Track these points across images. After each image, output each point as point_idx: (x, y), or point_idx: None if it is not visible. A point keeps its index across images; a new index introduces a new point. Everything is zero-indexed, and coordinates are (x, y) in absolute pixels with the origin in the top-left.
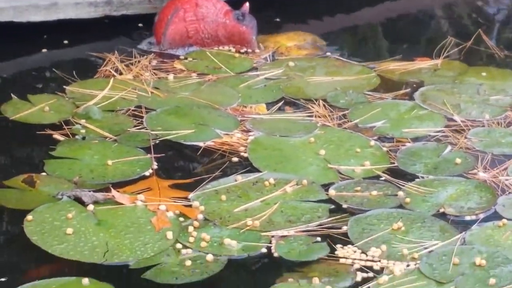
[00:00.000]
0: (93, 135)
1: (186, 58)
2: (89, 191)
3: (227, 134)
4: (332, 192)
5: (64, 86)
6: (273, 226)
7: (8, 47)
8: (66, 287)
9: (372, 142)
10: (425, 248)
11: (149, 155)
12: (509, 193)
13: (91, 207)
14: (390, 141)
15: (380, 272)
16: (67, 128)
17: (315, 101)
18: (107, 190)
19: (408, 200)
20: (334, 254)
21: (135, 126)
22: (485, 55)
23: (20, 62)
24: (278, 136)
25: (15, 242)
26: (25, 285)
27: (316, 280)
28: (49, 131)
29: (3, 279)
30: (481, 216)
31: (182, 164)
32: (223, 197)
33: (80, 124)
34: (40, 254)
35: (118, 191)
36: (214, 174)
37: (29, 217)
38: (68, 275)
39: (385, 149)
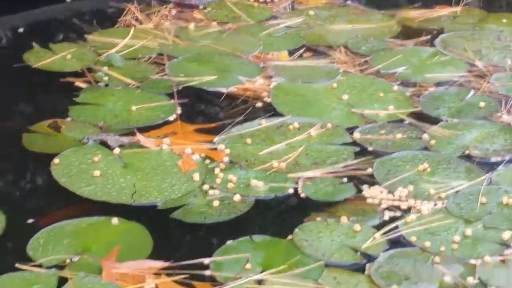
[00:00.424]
0: (115, 82)
1: (205, 8)
2: (115, 135)
3: (249, 80)
4: (356, 135)
5: (85, 35)
6: (299, 168)
7: None
8: (95, 226)
9: (395, 87)
10: (452, 188)
11: (172, 101)
12: None
13: (117, 150)
14: (413, 86)
15: (407, 211)
16: (90, 76)
17: (336, 48)
18: (132, 134)
19: (433, 142)
20: (361, 194)
21: (157, 73)
22: (504, 2)
23: (42, 11)
24: (301, 82)
25: (43, 184)
26: (55, 224)
27: (344, 219)
28: (71, 79)
29: (31, 220)
30: (507, 157)
31: (206, 110)
32: (248, 141)
33: (103, 72)
34: (68, 196)
35: (143, 135)
36: (238, 119)
37: (56, 160)
38: (97, 215)
39: (408, 93)
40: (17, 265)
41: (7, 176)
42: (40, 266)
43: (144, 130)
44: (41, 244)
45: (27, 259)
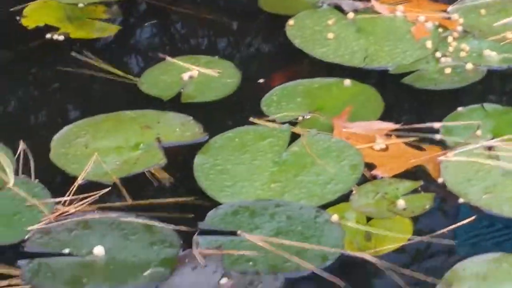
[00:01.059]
0: None
1: None
2: (349, 0)
3: None
4: None
5: None
6: None
7: None
8: (327, 87)
9: None
10: None
11: None
12: None
13: (351, 15)
14: None
15: None
16: None
17: None
18: (366, 0)
19: None
20: None
21: None
22: None
23: None
24: None
25: (278, 44)
26: (288, 83)
27: None
28: None
29: (264, 79)
30: None
31: None
32: (482, 11)
33: None
34: (301, 57)
35: (377, 1)
36: None
37: (291, 21)
38: (329, 77)
39: None
40: (251, 119)
41: (244, 36)
42: (273, 121)
43: None
44: (275, 101)
45: (261, 114)
